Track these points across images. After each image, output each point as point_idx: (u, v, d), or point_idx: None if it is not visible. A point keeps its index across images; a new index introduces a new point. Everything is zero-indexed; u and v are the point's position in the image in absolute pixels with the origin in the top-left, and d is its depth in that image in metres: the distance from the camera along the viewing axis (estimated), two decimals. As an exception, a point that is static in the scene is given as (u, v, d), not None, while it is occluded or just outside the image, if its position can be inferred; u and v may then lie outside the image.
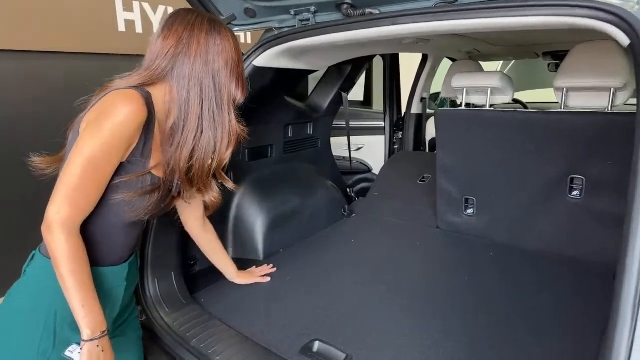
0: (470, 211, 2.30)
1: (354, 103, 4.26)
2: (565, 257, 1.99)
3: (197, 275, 1.92)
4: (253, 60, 1.84)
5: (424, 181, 2.87)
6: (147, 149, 1.13)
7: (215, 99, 1.16)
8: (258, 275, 1.90)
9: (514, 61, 4.51)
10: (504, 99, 2.23)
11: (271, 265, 1.98)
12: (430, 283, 1.89)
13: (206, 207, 1.36)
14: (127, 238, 1.22)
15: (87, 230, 1.09)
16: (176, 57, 1.14)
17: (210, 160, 1.21)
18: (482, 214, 2.26)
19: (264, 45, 1.82)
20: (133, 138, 1.08)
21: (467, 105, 2.30)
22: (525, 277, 1.88)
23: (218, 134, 1.19)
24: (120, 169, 1.09)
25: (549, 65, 3.56)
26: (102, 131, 1.02)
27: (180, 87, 1.14)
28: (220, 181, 1.36)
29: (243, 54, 1.84)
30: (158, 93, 1.15)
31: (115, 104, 1.05)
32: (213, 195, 1.34)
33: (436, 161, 2.33)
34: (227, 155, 1.24)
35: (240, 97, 1.23)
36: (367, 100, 4.63)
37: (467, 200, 2.29)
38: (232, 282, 1.83)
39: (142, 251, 1.66)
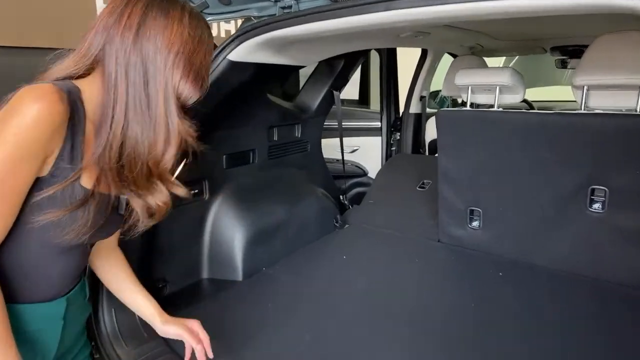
0: (475, 223, 2.06)
1: (348, 102, 4.04)
2: (584, 277, 1.76)
3: (165, 300, 1.67)
4: (227, 54, 1.60)
5: (423, 187, 2.64)
6: (76, 155, 0.89)
7: (144, 85, 0.92)
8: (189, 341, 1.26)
9: (517, 57, 4.28)
10: (513, 98, 1.99)
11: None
12: (431, 307, 1.68)
13: (151, 214, 1.09)
14: (63, 267, 0.99)
15: (1, 262, 0.88)
16: (108, 31, 0.91)
17: (141, 161, 0.96)
18: (489, 227, 2.03)
19: (239, 36, 1.58)
20: (50, 144, 0.84)
21: (472, 105, 2.07)
22: (540, 301, 1.67)
23: (149, 129, 0.94)
24: (41, 184, 0.86)
25: (555, 61, 3.34)
26: (5, 137, 0.79)
27: (110, 65, 0.91)
28: (167, 187, 1.09)
29: (216, 46, 1.61)
30: (92, 86, 0.92)
31: (21, 102, 0.81)
32: (160, 199, 1.04)
33: (437, 167, 2.10)
34: (166, 158, 0.98)
35: (189, 92, 0.96)
36: (364, 99, 4.42)
37: (472, 211, 2.06)
38: (203, 312, 1.58)
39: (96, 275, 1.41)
